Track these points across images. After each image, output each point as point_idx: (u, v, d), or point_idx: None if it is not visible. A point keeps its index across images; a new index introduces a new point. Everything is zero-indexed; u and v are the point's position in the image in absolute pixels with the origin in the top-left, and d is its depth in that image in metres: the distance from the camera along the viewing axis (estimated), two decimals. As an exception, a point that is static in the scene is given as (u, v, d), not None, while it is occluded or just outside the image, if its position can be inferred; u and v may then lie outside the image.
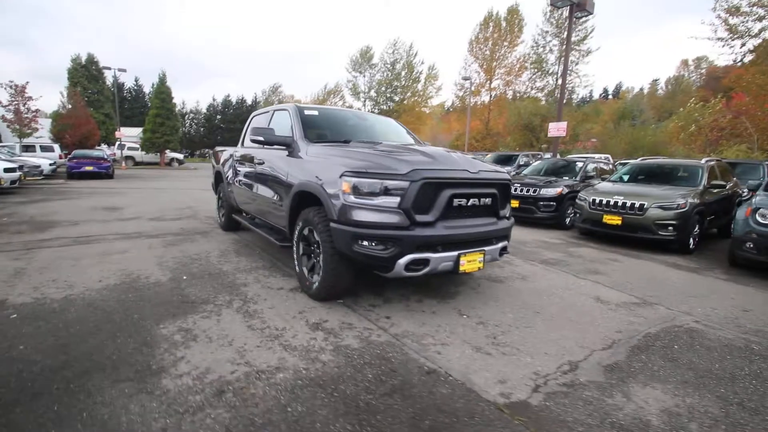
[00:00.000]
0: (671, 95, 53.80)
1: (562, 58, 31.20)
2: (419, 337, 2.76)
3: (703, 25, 17.47)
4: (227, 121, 52.88)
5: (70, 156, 16.93)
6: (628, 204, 6.30)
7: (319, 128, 4.12)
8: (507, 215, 3.57)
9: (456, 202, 2.99)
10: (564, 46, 30.79)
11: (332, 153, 3.30)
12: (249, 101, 54.56)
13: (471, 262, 3.11)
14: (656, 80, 63.32)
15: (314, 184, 3.18)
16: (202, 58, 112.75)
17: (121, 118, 35.10)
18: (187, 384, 2.06)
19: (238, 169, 5.23)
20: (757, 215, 4.95)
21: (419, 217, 2.85)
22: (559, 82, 32.07)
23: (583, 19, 28.25)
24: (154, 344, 2.48)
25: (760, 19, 16.36)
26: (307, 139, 3.74)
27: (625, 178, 8.13)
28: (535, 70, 31.70)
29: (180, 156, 29.86)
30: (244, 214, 5.58)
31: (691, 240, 6.15)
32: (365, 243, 2.80)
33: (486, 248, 3.23)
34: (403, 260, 2.80)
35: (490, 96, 33.91)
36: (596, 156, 16.95)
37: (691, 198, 6.09)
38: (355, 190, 2.85)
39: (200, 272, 4.00)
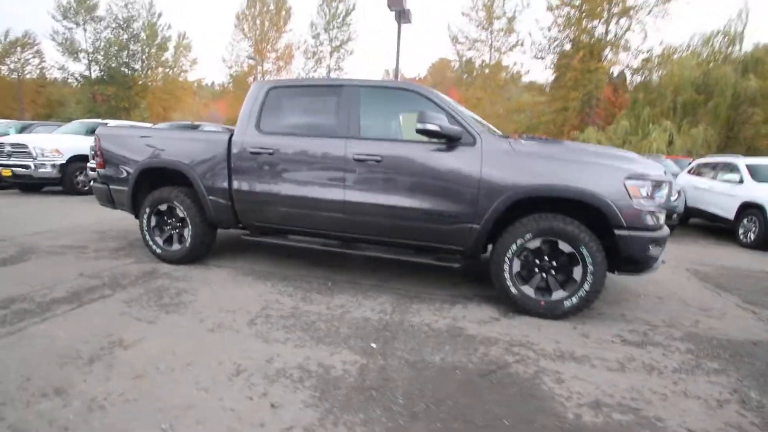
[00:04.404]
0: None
1: (334, 53, 33.76)
2: (665, 324, 3.01)
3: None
4: None
5: None
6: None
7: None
8: None
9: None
10: (334, 41, 33.21)
11: (579, 151, 2.89)
12: None
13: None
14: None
15: (576, 188, 2.73)
16: None
17: None
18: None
19: (268, 167, 3.43)
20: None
21: (659, 214, 3.07)
22: (332, 74, 34.64)
23: (349, 24, 31.65)
24: None
25: (469, 48, 24.48)
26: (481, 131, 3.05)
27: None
28: (313, 62, 32.66)
29: None
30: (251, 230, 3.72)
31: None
32: (654, 245, 2.78)
33: None
34: (660, 256, 2.96)
35: (262, 76, 32.33)
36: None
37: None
38: (646, 195, 2.73)
39: (371, 334, 2.57)
